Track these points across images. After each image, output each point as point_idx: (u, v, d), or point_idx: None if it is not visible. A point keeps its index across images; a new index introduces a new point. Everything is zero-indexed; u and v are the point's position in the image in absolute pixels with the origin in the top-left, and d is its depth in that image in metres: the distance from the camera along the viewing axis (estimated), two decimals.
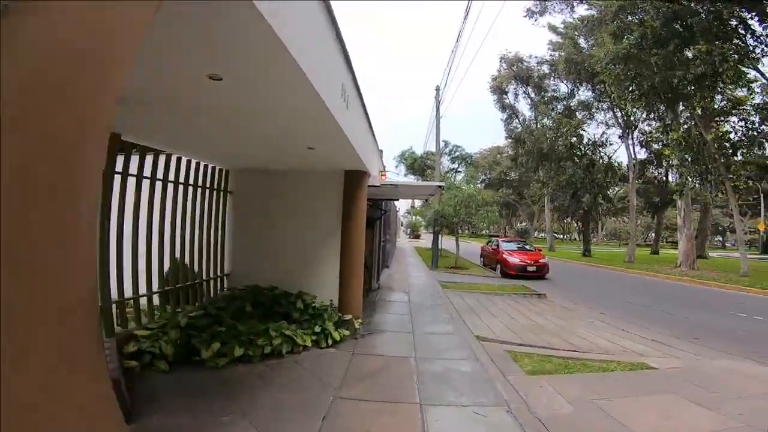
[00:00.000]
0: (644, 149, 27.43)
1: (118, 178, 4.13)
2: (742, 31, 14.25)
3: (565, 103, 29.67)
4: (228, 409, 3.43)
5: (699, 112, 15.57)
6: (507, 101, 33.43)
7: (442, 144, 33.30)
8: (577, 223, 44.48)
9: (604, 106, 27.56)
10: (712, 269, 18.88)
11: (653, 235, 40.32)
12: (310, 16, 2.49)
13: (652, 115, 22.50)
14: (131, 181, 4.37)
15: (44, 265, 1.06)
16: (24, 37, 0.97)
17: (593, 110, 28.60)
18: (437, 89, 20.15)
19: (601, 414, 3.54)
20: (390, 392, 3.96)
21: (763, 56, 14.05)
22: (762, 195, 24.33)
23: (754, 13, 13.56)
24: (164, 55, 2.24)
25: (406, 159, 37.23)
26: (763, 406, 3.79)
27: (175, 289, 5.12)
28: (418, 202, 36.40)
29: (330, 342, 5.30)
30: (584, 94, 28.64)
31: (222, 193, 6.15)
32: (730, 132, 16.59)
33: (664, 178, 30.90)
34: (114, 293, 4.11)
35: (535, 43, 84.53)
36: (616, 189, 36.85)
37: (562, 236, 64.75)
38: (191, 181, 5.46)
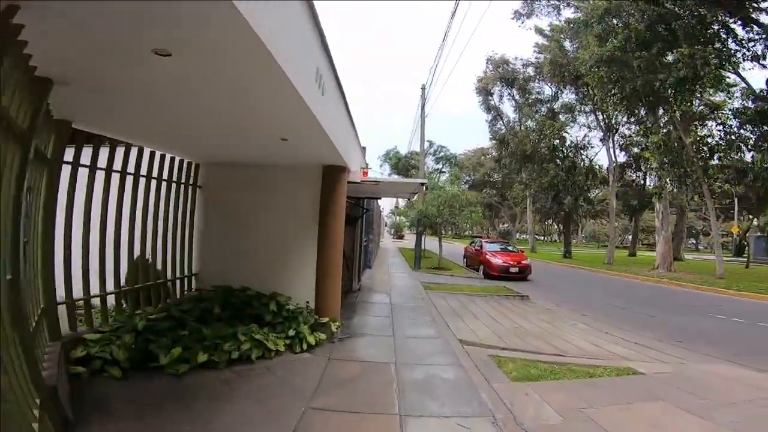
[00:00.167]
0: (624, 153, 27.98)
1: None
2: (724, 35, 14.56)
3: (548, 105, 29.95)
4: (187, 419, 3.11)
5: (678, 115, 15.81)
6: (492, 103, 33.55)
7: (426, 144, 33.21)
8: (558, 225, 45.17)
9: (587, 109, 27.94)
10: (688, 271, 19.27)
11: (630, 237, 41.24)
12: None
13: (632, 119, 22.91)
14: (83, 173, 3.95)
15: None
16: None
17: (576, 113, 28.97)
18: (423, 88, 19.99)
19: (590, 425, 3.33)
20: (367, 402, 3.68)
21: (743, 60, 14.39)
22: (736, 199, 25.06)
23: (737, 17, 13.83)
24: (101, 27, 1.91)
25: (391, 158, 37.02)
26: (757, 413, 3.66)
27: (133, 290, 4.71)
28: (402, 202, 36.29)
29: (305, 346, 4.99)
30: (568, 96, 29.02)
31: (191, 187, 5.74)
32: (708, 136, 16.95)
33: (642, 182, 31.59)
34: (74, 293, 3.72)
35: (522, 45, 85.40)
36: (596, 192, 37.48)
37: (542, 238, 65.71)
38: (155, 174, 5.05)
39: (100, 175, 4.24)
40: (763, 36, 13.77)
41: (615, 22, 16.83)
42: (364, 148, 11.59)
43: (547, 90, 30.30)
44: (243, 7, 1.70)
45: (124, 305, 4.67)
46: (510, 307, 8.93)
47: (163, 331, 4.33)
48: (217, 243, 5.78)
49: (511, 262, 15.03)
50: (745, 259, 24.43)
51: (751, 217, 31.62)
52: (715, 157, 16.85)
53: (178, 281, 5.53)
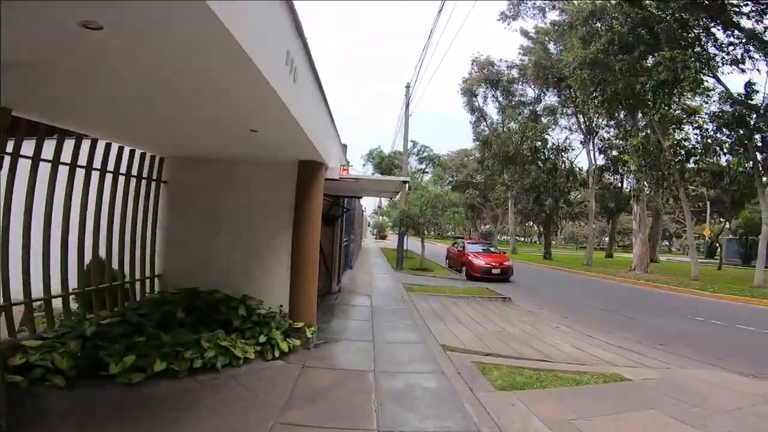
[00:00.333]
0: (603, 156, 28.49)
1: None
2: (705, 39, 14.84)
3: (531, 107, 30.24)
4: None
5: (657, 119, 16.07)
6: (476, 104, 33.67)
7: (410, 144, 33.07)
8: (538, 227, 45.77)
9: (569, 112, 28.29)
10: (664, 273, 19.67)
11: (607, 239, 42.13)
12: None
13: (612, 122, 23.30)
14: (24, 165, 3.52)
15: None
16: None
17: (558, 115, 29.32)
18: (407, 86, 19.77)
19: None
20: (343, 415, 3.38)
21: (723, 64, 14.71)
22: (708, 202, 25.81)
23: (718, 21, 14.11)
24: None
25: (374, 158, 36.69)
26: (750, 422, 3.52)
27: (85, 293, 4.27)
28: (385, 202, 36.04)
29: (277, 353, 4.65)
30: (550, 99, 29.36)
31: (153, 182, 5.30)
32: (685, 139, 17.30)
33: (620, 185, 32.27)
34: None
35: (507, 47, 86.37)
36: (576, 194, 38.09)
37: (523, 239, 66.62)
38: (111, 168, 4.61)
39: (44, 168, 3.81)
40: (743, 40, 14.12)
41: (598, 25, 17.01)
42: (345, 146, 11.26)
43: (531, 92, 30.65)
44: None
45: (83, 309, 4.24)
46: (493, 309, 8.76)
47: (115, 337, 3.94)
48: (183, 242, 5.35)
49: (494, 264, 14.96)
50: (717, 261, 25.18)
51: (722, 220, 32.72)
52: (691, 161, 17.21)
53: (138, 283, 5.10)
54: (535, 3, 24.97)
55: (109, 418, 3.01)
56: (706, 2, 13.51)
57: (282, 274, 5.23)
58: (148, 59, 2.31)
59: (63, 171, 4.07)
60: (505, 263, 15.23)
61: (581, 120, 26.98)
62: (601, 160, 28.67)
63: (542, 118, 29.07)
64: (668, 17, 14.21)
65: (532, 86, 29.69)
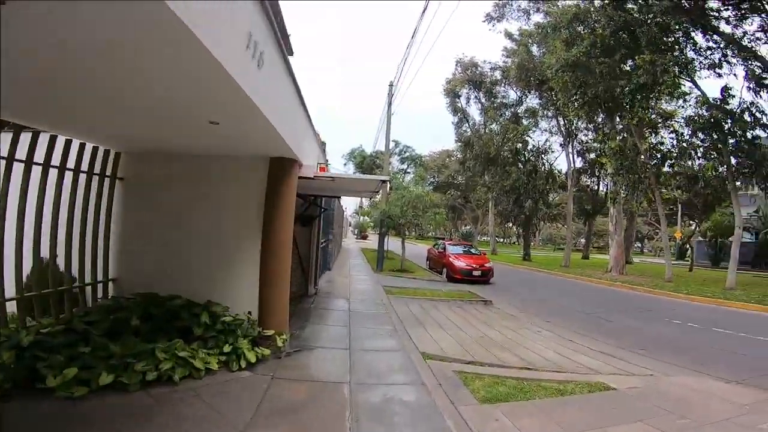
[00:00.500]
0: (581, 158, 28.95)
1: None
2: (684, 43, 15.13)
3: (513, 109, 30.45)
4: None
5: (635, 122, 16.32)
6: (459, 105, 33.70)
7: (392, 144, 32.86)
8: (518, 228, 46.30)
9: (549, 114, 28.63)
10: (639, 274, 20.05)
11: (583, 240, 42.97)
12: None
13: (591, 125, 23.68)
14: None
15: None
16: None
17: (539, 117, 29.65)
18: (390, 85, 19.48)
19: None
20: None
21: (700, 69, 15.06)
22: (680, 205, 26.56)
23: (698, 25, 14.38)
24: None
25: (356, 157, 36.35)
26: None
27: (25, 299, 3.80)
28: (366, 202, 35.67)
29: (244, 364, 4.31)
30: (532, 101, 29.66)
31: (108, 179, 4.83)
32: (661, 143, 17.65)
33: (596, 187, 32.92)
34: None
35: (491, 49, 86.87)
36: (554, 196, 38.68)
37: (502, 240, 67.38)
38: (56, 163, 4.15)
39: None
40: (722, 45, 14.46)
41: (581, 29, 17.17)
42: (324, 144, 10.90)
43: (513, 94, 30.89)
44: None
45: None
46: (474, 313, 8.57)
47: (57, 347, 3.55)
48: (142, 244, 4.89)
49: (474, 266, 14.85)
50: (688, 263, 25.92)
51: (692, 222, 33.80)
52: (666, 164, 17.57)
53: (90, 288, 4.63)
54: (520, 5, 25.19)
55: None
56: (687, 6, 13.79)
57: (251, 278, 4.85)
58: (68, 35, 1.94)
59: None
60: (485, 265, 15.15)
61: (561, 122, 27.36)
62: (579, 163, 29.18)
63: (523, 120, 29.34)
64: (650, 21, 14.42)
65: (515, 88, 29.93)
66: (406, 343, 5.73)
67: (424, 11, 21.83)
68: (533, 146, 28.47)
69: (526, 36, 26.18)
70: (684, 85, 15.54)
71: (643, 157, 17.22)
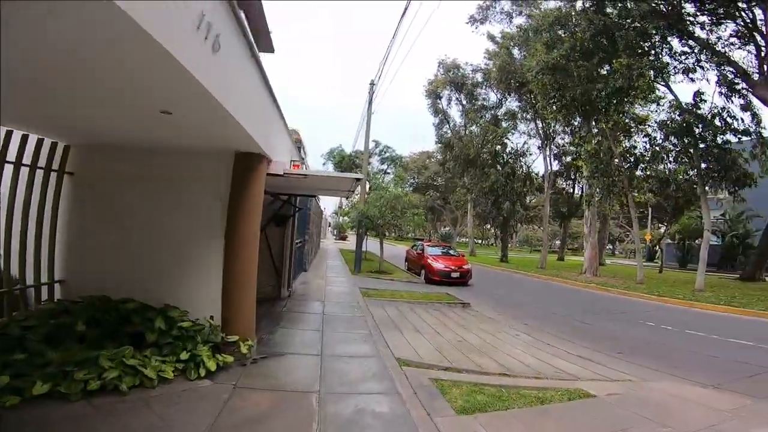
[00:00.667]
0: (557, 161, 29.47)
1: None
2: (660, 47, 15.51)
3: (493, 112, 30.69)
4: None
5: (610, 126, 16.62)
6: (440, 106, 33.71)
7: (372, 144, 32.60)
8: (496, 230, 46.83)
9: (528, 117, 29.01)
10: (611, 276, 20.46)
11: (559, 242, 43.87)
12: None
13: (568, 128, 24.10)
14: None
15: None
16: None
17: (518, 120, 30.01)
18: (372, 83, 19.17)
19: None
20: None
21: (675, 73, 15.45)
22: (650, 208, 27.38)
23: (675, 29, 14.74)
24: None
25: (335, 156, 35.78)
26: None
27: None
28: (346, 202, 35.23)
29: (203, 372, 3.98)
30: (511, 104, 30.00)
31: (55, 173, 4.37)
32: (634, 147, 18.06)
33: (572, 190, 33.58)
34: None
35: (474, 50, 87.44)
36: (531, 198, 39.27)
37: (481, 241, 68.15)
38: None
39: None
40: (696, 50, 14.88)
41: (561, 32, 17.40)
42: (300, 142, 10.53)
43: (493, 97, 31.15)
44: None
45: None
46: (452, 316, 8.40)
47: None
48: (92, 244, 4.46)
49: (453, 267, 14.75)
50: (657, 264, 26.71)
51: (661, 225, 34.96)
52: (639, 168, 17.98)
53: (33, 290, 4.17)
54: (503, 8, 25.45)
55: None
56: (665, 11, 14.11)
57: (213, 280, 4.48)
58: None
59: None
60: (464, 267, 15.08)
61: (539, 125, 27.76)
62: (556, 166, 29.68)
63: (503, 123, 29.61)
64: (628, 25, 14.70)
65: (495, 91, 30.21)
66: (381, 349, 5.47)
67: (404, 12, 21.59)
68: (512, 149, 28.82)
69: (508, 39, 26.47)
70: (658, 90, 15.94)
71: (617, 160, 17.57)
